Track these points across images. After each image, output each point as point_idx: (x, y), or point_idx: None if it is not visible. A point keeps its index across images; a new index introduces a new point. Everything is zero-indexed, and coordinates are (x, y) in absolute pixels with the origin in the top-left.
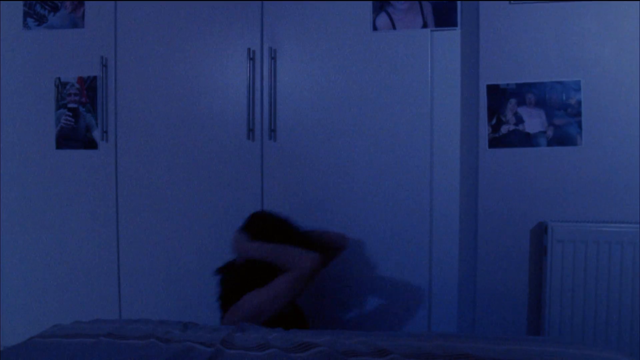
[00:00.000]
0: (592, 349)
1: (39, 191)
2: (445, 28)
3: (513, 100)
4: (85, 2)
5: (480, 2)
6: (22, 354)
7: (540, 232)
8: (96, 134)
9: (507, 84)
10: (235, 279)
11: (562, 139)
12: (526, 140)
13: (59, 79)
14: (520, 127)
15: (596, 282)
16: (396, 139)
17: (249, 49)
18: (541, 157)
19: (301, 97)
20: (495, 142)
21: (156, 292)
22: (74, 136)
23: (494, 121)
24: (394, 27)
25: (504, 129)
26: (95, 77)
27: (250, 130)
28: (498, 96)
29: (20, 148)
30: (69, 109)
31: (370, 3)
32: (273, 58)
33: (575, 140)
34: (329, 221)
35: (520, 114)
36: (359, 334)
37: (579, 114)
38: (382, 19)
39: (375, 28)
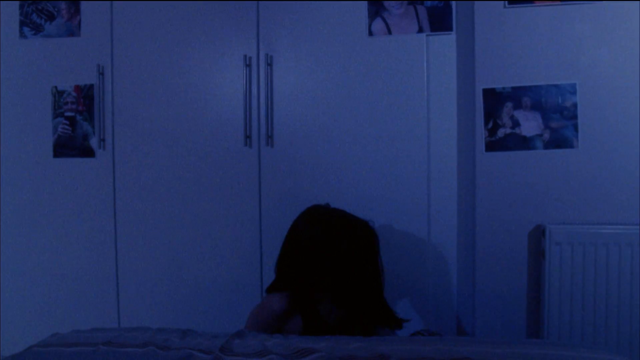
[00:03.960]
0: (591, 351)
1: (36, 200)
2: (441, 33)
3: (509, 104)
4: (82, 10)
5: (475, 4)
6: None
7: (538, 235)
8: (93, 142)
9: (503, 88)
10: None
11: (559, 141)
12: (523, 143)
13: (56, 87)
14: (517, 130)
15: (594, 284)
16: (393, 143)
17: (245, 56)
18: (538, 160)
19: (297, 103)
20: (492, 145)
21: (155, 299)
22: (71, 144)
23: (490, 125)
24: (389, 32)
25: (501, 133)
26: (92, 85)
27: (248, 137)
28: (494, 100)
29: (18, 157)
30: (66, 118)
31: (365, 8)
32: (269, 64)
33: (571, 143)
34: None
35: (517, 117)
36: (357, 339)
37: (574, 116)
38: (378, 24)
39: (370, 33)
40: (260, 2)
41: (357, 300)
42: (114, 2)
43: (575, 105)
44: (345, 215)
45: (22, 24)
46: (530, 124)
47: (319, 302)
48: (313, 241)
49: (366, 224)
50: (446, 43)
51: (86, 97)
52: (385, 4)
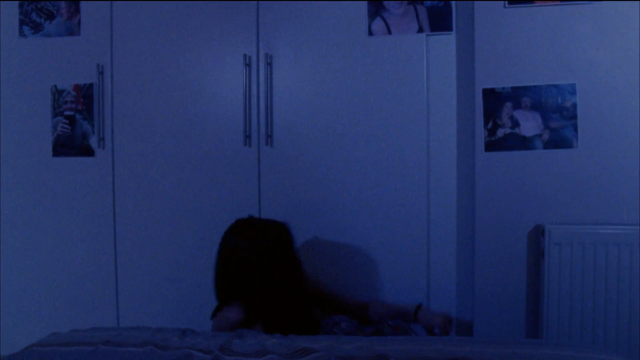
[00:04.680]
0: (590, 351)
1: (36, 199)
2: (441, 32)
3: (509, 104)
4: (81, 10)
5: (475, 4)
6: None
7: (537, 235)
8: (93, 142)
9: (503, 88)
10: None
11: (558, 141)
12: (522, 143)
13: (55, 86)
14: (516, 130)
15: (594, 284)
16: (393, 143)
17: (245, 55)
18: (537, 160)
19: (297, 102)
20: (492, 145)
21: (154, 298)
22: (71, 144)
23: (490, 125)
24: (389, 32)
25: (500, 133)
26: (91, 85)
27: (247, 136)
28: (494, 100)
29: (17, 156)
30: (66, 117)
31: (365, 8)
32: (269, 64)
33: (571, 143)
34: (326, 226)
35: (516, 117)
36: (357, 339)
37: (574, 116)
38: (378, 24)
39: (370, 33)
40: (260, 2)
41: (283, 298)
42: (113, 1)
43: (574, 106)
44: (261, 221)
45: (21, 23)
46: (529, 124)
47: (270, 308)
48: (239, 253)
49: (282, 224)
50: (446, 43)
51: (86, 96)
52: (385, 3)
